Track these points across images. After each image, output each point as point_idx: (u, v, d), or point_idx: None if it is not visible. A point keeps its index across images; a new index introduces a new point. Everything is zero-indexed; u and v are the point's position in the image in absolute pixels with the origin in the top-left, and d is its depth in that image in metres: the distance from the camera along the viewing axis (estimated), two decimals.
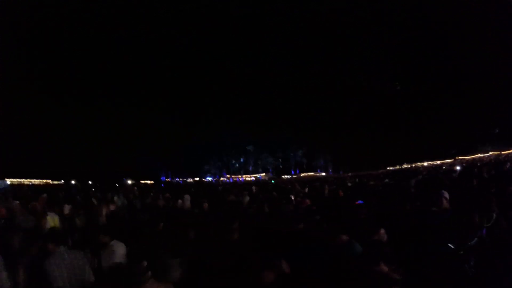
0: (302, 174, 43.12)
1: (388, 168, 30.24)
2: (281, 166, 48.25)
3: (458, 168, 14.48)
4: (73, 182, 27.26)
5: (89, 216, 7.18)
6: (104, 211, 7.49)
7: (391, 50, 30.67)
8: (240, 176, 47.08)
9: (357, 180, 14.60)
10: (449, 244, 3.59)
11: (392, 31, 29.31)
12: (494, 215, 4.60)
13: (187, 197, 10.18)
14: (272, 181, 29.68)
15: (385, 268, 2.61)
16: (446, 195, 4.77)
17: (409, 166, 29.66)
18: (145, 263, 2.18)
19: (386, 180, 12.45)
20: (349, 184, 11.96)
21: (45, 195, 10.14)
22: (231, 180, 44.30)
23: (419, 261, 3.35)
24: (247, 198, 9.63)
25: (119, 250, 3.41)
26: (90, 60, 34.13)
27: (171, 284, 2.35)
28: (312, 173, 42.89)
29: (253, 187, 15.53)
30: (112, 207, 8.22)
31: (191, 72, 37.95)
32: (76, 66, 34.43)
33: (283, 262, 2.61)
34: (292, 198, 8.67)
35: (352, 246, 3.24)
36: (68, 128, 34.97)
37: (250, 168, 48.70)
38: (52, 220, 6.55)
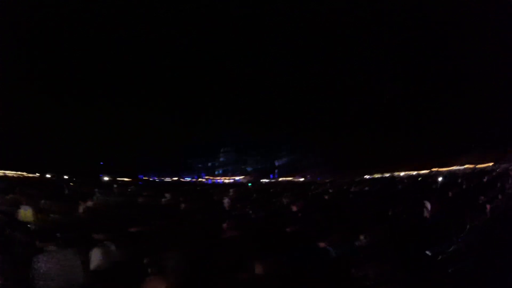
0: (280, 179, 43.32)
1: (366, 176, 30.63)
2: (259, 170, 48.25)
3: (440, 179, 14.89)
4: (48, 176, 26.38)
5: (65, 212, 7.00)
6: (81, 208, 7.32)
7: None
8: (218, 177, 46.79)
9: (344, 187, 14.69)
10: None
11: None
12: (468, 226, 4.77)
13: (167, 195, 10.07)
14: (249, 184, 29.69)
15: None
16: (428, 205, 4.92)
17: (388, 175, 30.20)
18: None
19: (366, 188, 12.70)
20: (330, 191, 12.09)
21: (18, 188, 9.83)
22: (209, 181, 43.95)
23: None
24: (227, 201, 9.58)
25: (113, 248, 3.33)
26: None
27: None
28: (291, 178, 43.14)
29: (231, 190, 15.42)
30: (89, 203, 8.03)
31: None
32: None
33: (269, 263, 2.60)
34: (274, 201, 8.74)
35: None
36: (44, 121, 33.78)
37: (229, 170, 48.49)
38: (24, 214, 6.34)
